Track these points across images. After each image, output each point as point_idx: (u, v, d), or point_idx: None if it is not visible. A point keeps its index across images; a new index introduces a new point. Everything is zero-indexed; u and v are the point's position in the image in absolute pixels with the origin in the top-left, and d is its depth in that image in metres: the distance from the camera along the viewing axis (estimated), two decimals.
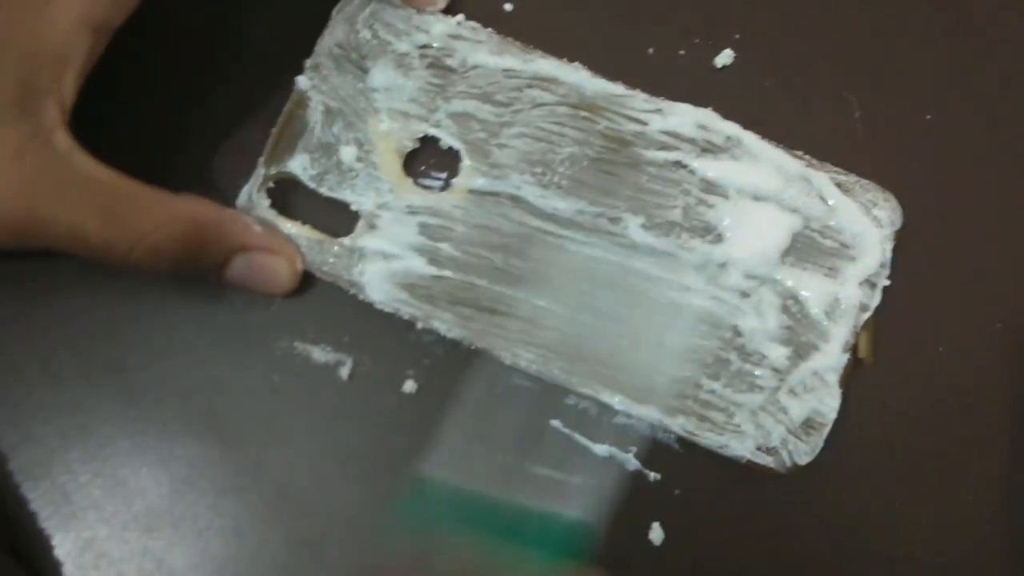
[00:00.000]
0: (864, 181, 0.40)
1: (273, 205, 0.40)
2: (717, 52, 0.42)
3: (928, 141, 0.42)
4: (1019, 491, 0.39)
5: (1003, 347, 0.40)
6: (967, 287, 0.41)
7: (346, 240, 0.40)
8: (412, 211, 0.40)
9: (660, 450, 0.39)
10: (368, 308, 0.39)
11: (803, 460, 0.38)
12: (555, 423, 0.39)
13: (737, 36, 0.42)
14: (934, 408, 0.40)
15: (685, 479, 0.39)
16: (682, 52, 0.42)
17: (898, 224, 0.40)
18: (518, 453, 0.39)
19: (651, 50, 0.42)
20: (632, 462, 0.39)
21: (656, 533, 0.39)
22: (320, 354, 0.40)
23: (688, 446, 0.39)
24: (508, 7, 0.42)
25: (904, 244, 0.40)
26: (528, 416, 0.39)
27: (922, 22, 0.43)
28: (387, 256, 0.39)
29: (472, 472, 0.39)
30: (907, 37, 0.43)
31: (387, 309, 0.39)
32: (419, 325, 0.39)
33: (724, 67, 0.42)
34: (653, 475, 0.39)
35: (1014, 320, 0.40)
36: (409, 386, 0.40)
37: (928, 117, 0.42)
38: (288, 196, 0.40)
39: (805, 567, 0.39)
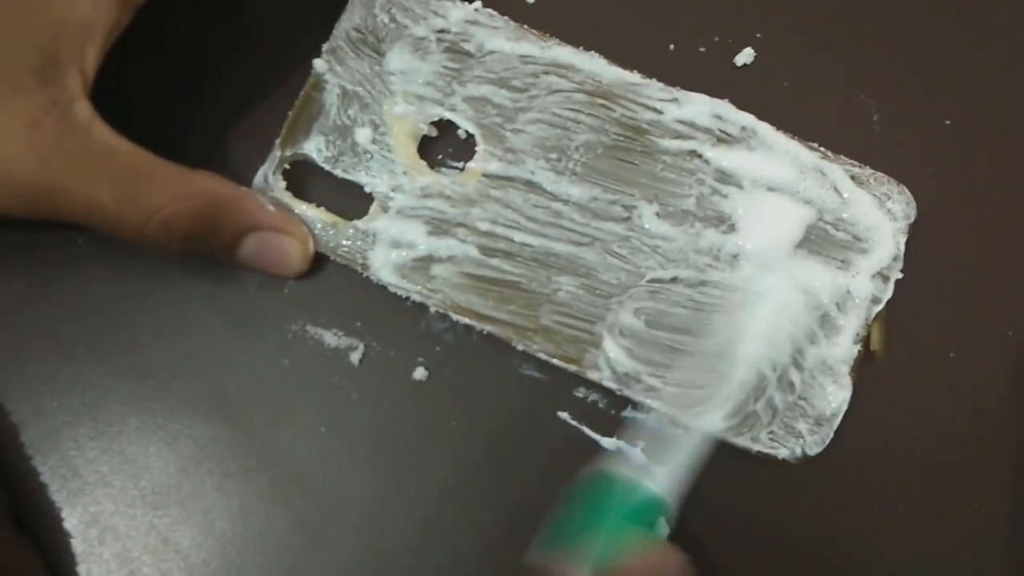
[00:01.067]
0: (878, 174, 0.40)
1: (288, 187, 0.40)
2: (737, 51, 0.42)
3: (946, 146, 0.42)
4: None
5: (1013, 348, 0.40)
6: (980, 287, 0.41)
7: (360, 223, 0.40)
8: (426, 194, 0.40)
9: (667, 445, 0.39)
10: (381, 294, 0.39)
11: (813, 451, 0.38)
12: (563, 415, 0.39)
13: (758, 35, 0.42)
14: (944, 403, 0.40)
15: (699, 470, 0.38)
16: (702, 49, 0.42)
17: (912, 217, 0.40)
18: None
19: (672, 46, 0.42)
20: (640, 456, 0.39)
21: (660, 527, 0.38)
22: (332, 339, 0.40)
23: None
24: (531, 0, 0.42)
25: (919, 243, 0.40)
26: (536, 407, 0.39)
27: (943, 27, 0.43)
28: (400, 238, 0.39)
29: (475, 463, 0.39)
30: (927, 42, 0.43)
31: (399, 292, 0.39)
32: (432, 309, 0.39)
33: (744, 66, 0.42)
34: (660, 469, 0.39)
35: None
36: (419, 373, 0.40)
37: (947, 122, 0.42)
38: (303, 178, 0.40)
39: (811, 561, 0.39)
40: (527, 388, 0.39)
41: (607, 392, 0.39)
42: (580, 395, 0.39)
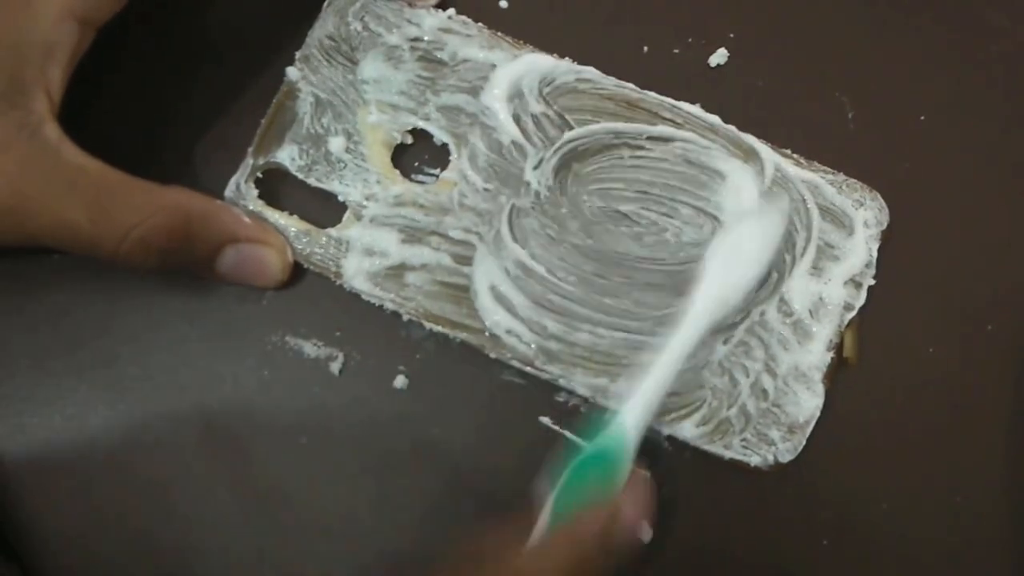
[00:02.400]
0: (851, 180, 0.40)
1: (261, 196, 0.40)
2: (711, 51, 0.42)
3: (921, 142, 0.42)
4: (1006, 493, 0.39)
5: (990, 348, 0.40)
6: (956, 288, 0.41)
7: (333, 231, 0.40)
8: (399, 202, 0.40)
9: (649, 449, 0.39)
10: (359, 304, 0.39)
11: (786, 458, 0.38)
12: (545, 420, 0.39)
13: (731, 35, 0.42)
14: (917, 408, 0.40)
15: (673, 478, 0.39)
16: (676, 51, 0.42)
17: (884, 224, 0.40)
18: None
19: (645, 48, 0.42)
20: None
21: (644, 531, 0.38)
22: (311, 349, 0.40)
23: (677, 445, 0.39)
24: (503, 4, 0.42)
25: (894, 245, 0.40)
26: (518, 413, 0.39)
27: (916, 24, 0.43)
28: (373, 247, 0.39)
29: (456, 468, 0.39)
30: (901, 39, 0.43)
31: (373, 300, 0.39)
32: (404, 317, 0.39)
33: (718, 66, 0.42)
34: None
35: (1002, 321, 0.40)
36: (400, 381, 0.40)
37: (921, 118, 0.42)
38: (276, 187, 0.40)
39: (790, 566, 0.39)
40: (508, 394, 0.39)
41: (578, 393, 0.39)
42: (561, 399, 0.39)
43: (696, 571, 0.39)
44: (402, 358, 0.40)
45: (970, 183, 0.41)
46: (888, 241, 0.40)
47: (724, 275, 0.38)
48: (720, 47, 0.42)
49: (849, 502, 0.39)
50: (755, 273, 0.38)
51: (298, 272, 0.40)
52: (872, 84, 0.42)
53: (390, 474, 0.39)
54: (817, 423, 0.39)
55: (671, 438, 0.39)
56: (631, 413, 0.37)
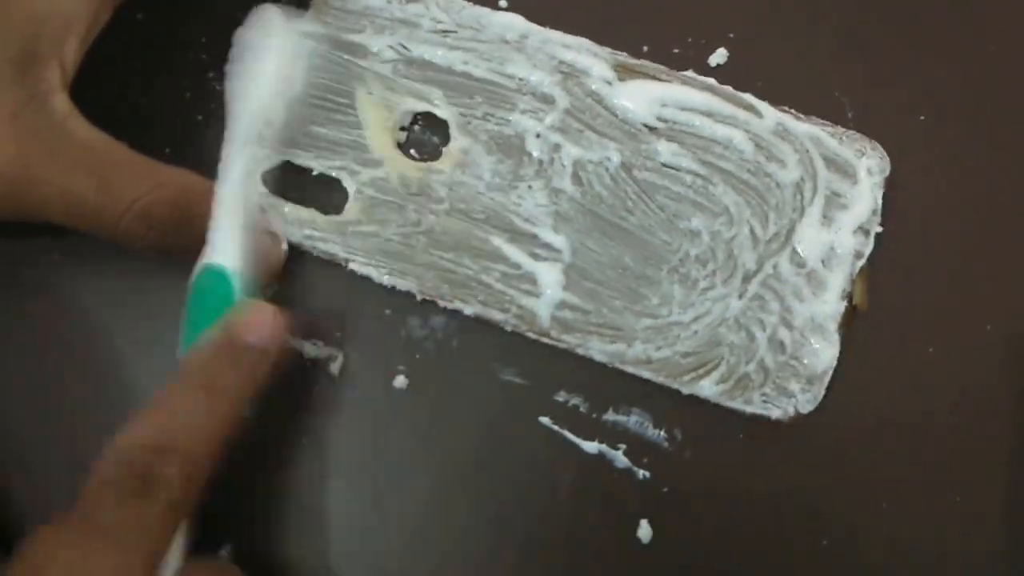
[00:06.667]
0: (850, 132, 0.40)
1: (265, 184, 0.40)
2: (711, 51, 0.42)
3: (920, 142, 0.42)
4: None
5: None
6: (954, 280, 0.41)
7: (336, 216, 0.40)
8: (403, 181, 0.40)
9: (650, 448, 0.39)
10: (360, 303, 0.39)
11: (805, 409, 0.38)
12: (544, 420, 0.39)
13: (731, 35, 0.43)
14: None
15: (674, 477, 0.39)
16: (676, 50, 0.42)
17: (887, 171, 0.40)
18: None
19: (645, 48, 0.42)
20: (621, 459, 0.39)
21: (644, 531, 0.38)
22: (311, 349, 0.39)
23: (678, 444, 0.39)
24: (503, 4, 0.43)
25: (895, 240, 0.40)
26: (518, 413, 0.39)
27: (916, 24, 0.43)
28: (378, 228, 0.39)
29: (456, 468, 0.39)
30: (901, 39, 0.43)
31: (382, 281, 0.39)
32: (419, 297, 0.39)
33: (718, 66, 0.42)
34: (642, 473, 0.39)
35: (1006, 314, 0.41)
36: (400, 381, 0.39)
37: (921, 119, 0.42)
38: (278, 175, 0.40)
39: (794, 566, 0.39)
40: (508, 394, 0.39)
41: (588, 396, 0.39)
42: (561, 399, 0.39)
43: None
44: (402, 358, 0.40)
45: (969, 181, 0.42)
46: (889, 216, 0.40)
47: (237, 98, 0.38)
48: (720, 47, 0.42)
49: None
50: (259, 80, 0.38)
51: (297, 271, 0.40)
52: (872, 84, 0.42)
53: (390, 474, 0.39)
54: (833, 374, 0.39)
55: (675, 438, 0.39)
56: (220, 253, 0.36)
